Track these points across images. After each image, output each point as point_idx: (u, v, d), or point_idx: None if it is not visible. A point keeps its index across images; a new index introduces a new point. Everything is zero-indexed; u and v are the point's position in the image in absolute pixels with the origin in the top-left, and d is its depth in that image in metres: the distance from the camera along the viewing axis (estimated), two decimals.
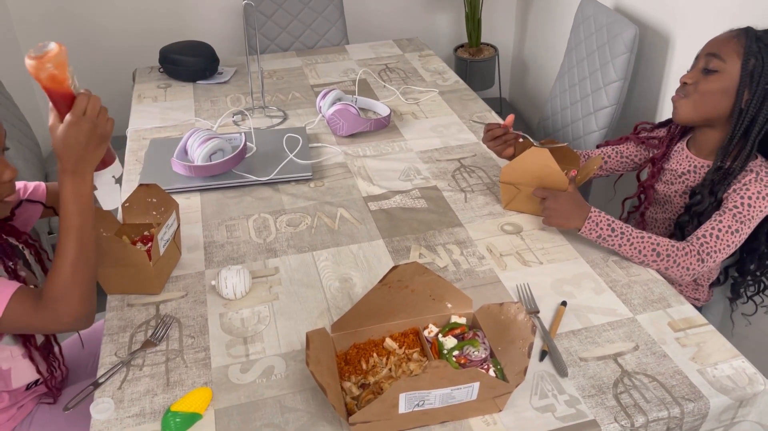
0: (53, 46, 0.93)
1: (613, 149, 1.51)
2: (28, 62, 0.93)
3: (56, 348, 1.23)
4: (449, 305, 1.05)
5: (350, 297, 1.17)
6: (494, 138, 1.42)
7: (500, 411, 0.94)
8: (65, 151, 0.97)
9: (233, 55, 2.62)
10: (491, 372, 0.95)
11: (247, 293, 1.18)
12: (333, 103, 1.75)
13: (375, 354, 1.00)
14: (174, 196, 1.48)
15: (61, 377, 1.23)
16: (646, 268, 1.22)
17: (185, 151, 1.53)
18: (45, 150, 2.49)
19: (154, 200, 1.26)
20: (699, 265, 1.19)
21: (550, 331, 1.08)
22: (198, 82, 2.08)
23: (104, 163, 1.08)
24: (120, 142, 1.87)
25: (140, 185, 1.24)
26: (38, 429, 1.17)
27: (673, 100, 1.28)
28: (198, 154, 1.47)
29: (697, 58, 1.26)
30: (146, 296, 1.18)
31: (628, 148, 1.50)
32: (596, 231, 1.22)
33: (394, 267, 0.98)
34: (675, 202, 1.38)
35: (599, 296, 1.16)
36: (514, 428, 0.92)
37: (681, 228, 1.32)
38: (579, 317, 1.11)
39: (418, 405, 0.88)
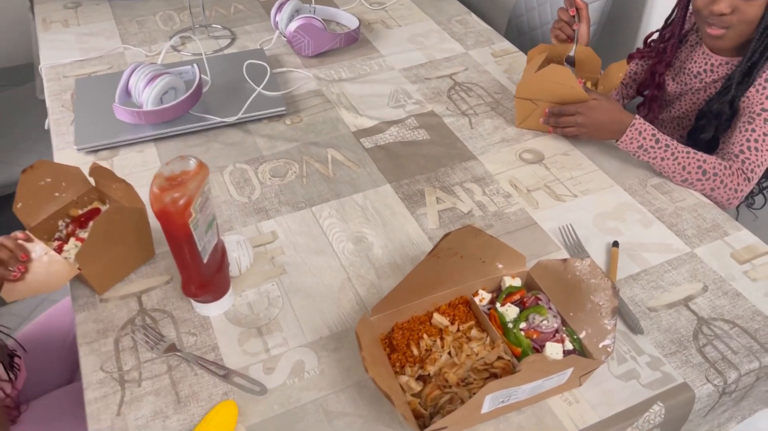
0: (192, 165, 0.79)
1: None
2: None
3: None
4: (500, 266, 0.90)
5: (371, 260, 1.00)
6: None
7: (580, 385, 0.82)
8: None
9: None
10: (567, 344, 0.82)
11: (251, 266, 0.98)
12: (291, 17, 1.48)
13: (425, 335, 0.85)
14: (123, 151, 1.22)
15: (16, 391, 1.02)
16: (688, 190, 1.10)
17: (128, 93, 1.25)
18: None
19: (48, 180, 0.98)
20: (746, 185, 1.08)
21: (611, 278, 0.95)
22: None
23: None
24: (30, 75, 1.54)
25: (22, 172, 0.94)
26: None
27: (712, 33, 1.11)
28: (146, 96, 1.20)
29: None
30: (121, 287, 0.96)
31: (635, 68, 1.36)
32: (638, 141, 1.09)
33: (446, 235, 0.80)
34: (686, 101, 1.25)
35: (648, 229, 1.04)
36: (600, 404, 0.80)
37: (695, 137, 1.20)
38: (633, 258, 0.99)
39: (503, 401, 0.74)
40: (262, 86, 1.31)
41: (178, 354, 0.87)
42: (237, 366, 0.86)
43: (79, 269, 0.89)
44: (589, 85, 1.24)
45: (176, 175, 0.78)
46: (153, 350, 0.88)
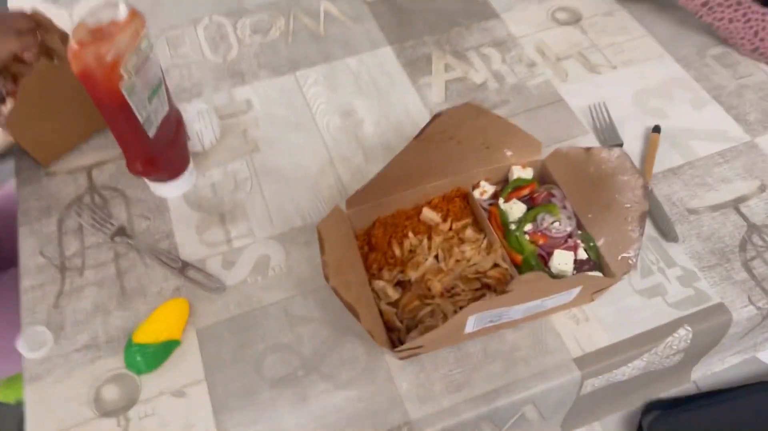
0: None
1: None
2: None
3: None
4: (509, 153, 0.73)
5: (359, 139, 0.84)
6: None
7: (592, 301, 0.68)
8: None
9: None
10: (581, 253, 0.68)
11: (217, 140, 0.84)
12: None
13: (411, 233, 0.71)
14: None
15: None
16: (757, 64, 0.89)
17: None
18: None
19: None
20: None
21: (644, 174, 0.78)
22: None
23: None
24: None
25: None
26: None
27: None
28: None
29: None
30: (70, 160, 0.84)
31: None
32: None
33: (436, 116, 0.64)
34: None
35: (700, 112, 0.84)
36: (614, 325, 0.67)
37: None
38: (676, 146, 0.81)
39: (491, 321, 0.61)
40: None
41: (128, 240, 0.75)
42: (193, 258, 0.74)
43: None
44: None
45: (103, 26, 0.63)
46: (99, 233, 0.76)
